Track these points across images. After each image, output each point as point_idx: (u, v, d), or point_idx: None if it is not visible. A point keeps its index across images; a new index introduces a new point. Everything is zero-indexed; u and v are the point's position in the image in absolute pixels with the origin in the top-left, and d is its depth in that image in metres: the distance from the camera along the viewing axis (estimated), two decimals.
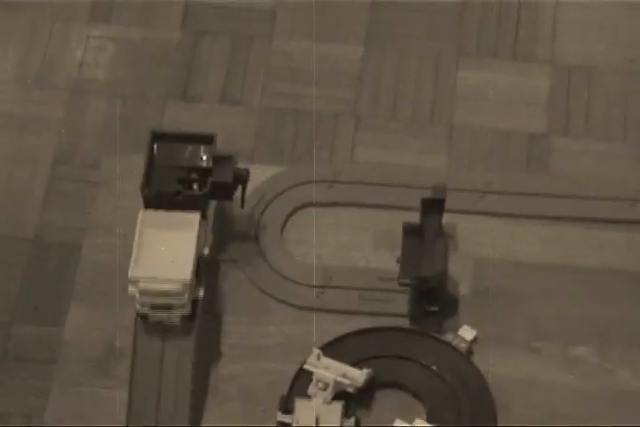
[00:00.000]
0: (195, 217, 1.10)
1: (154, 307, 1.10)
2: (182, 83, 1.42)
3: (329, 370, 1.15)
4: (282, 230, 1.30)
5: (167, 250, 1.13)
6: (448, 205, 1.19)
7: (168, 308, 1.11)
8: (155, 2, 1.48)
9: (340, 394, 1.14)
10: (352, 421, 1.12)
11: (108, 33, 1.46)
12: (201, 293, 1.12)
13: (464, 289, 1.26)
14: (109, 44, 1.46)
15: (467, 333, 1.21)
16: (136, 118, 1.38)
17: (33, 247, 1.29)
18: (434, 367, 1.20)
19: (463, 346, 1.21)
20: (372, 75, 1.41)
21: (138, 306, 1.09)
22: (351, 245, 1.29)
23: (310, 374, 1.16)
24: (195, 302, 1.12)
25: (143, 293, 1.07)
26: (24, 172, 1.36)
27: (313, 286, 1.27)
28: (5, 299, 1.26)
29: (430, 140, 1.36)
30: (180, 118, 1.37)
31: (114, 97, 1.39)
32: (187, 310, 1.11)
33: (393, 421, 1.13)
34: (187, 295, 1.11)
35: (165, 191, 1.12)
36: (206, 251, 1.15)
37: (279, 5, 1.47)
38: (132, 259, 1.08)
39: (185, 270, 1.09)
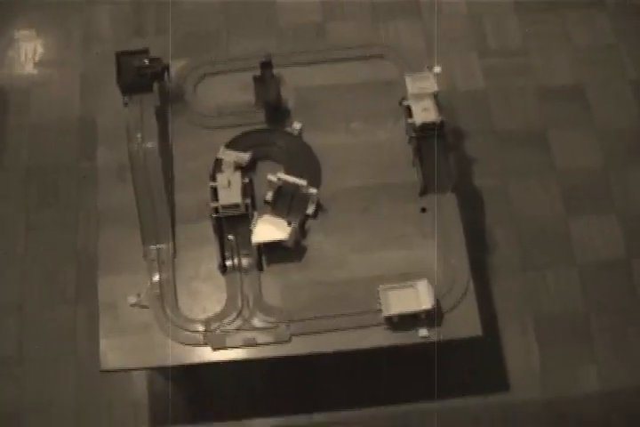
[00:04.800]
0: None
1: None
2: None
3: (231, 156, 1.72)
4: (195, 88, 1.90)
5: None
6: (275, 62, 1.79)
7: None
8: None
9: (238, 167, 1.70)
10: (246, 179, 1.68)
11: None
12: None
13: (291, 104, 1.84)
14: None
15: (297, 125, 1.81)
16: None
17: None
18: (283, 146, 1.79)
19: (296, 132, 1.80)
20: None
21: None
22: (233, 90, 1.87)
23: (222, 160, 1.74)
24: None
25: None
26: None
27: (215, 116, 1.84)
28: None
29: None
30: None
31: None
32: None
33: (267, 176, 1.68)
34: None
35: (130, 80, 1.74)
36: None
37: None
38: None
39: None
